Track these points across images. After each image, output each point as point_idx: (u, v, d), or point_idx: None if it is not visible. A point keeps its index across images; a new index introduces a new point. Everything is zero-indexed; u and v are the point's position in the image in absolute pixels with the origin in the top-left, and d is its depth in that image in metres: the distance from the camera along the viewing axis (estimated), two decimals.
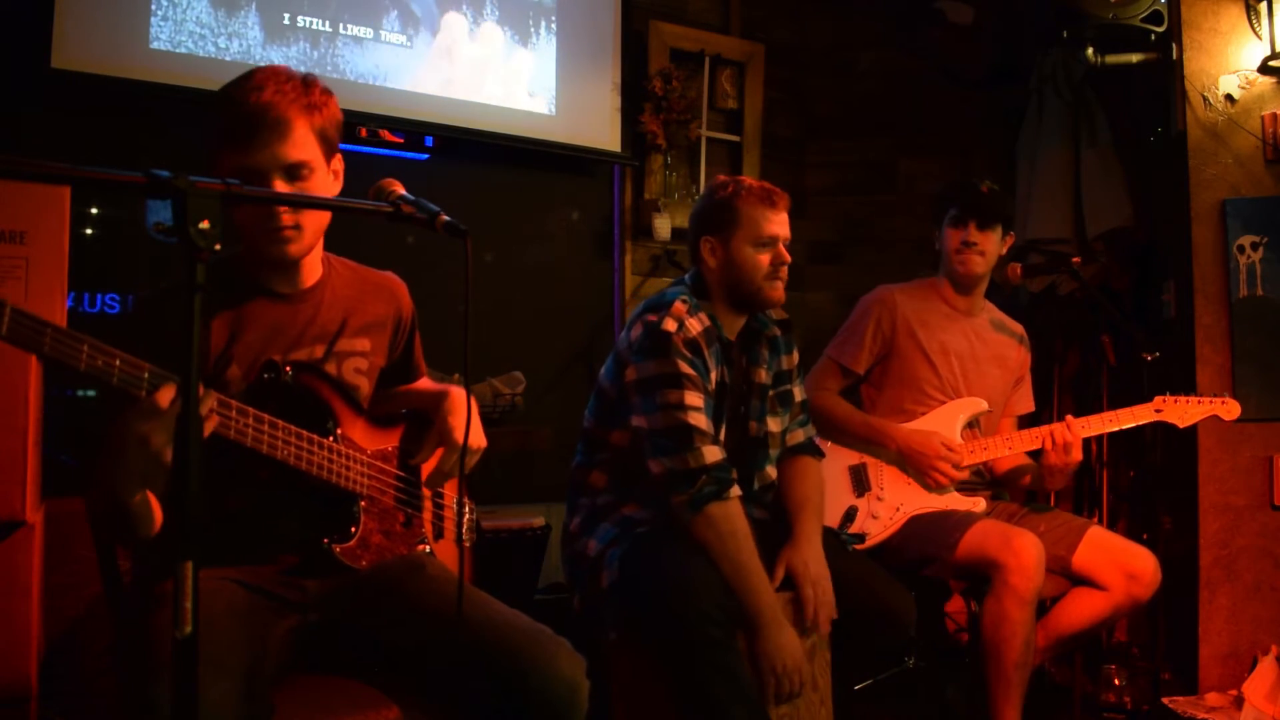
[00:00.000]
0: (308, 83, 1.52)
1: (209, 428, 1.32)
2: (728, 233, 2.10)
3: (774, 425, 2.20)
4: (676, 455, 1.93)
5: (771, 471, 2.19)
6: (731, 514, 1.92)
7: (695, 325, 2.02)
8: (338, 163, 1.58)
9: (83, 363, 1.18)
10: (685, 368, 1.97)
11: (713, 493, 1.91)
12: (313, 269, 1.63)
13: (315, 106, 1.50)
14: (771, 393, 2.20)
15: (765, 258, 2.09)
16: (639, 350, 2.01)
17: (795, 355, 2.28)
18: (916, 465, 2.51)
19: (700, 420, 1.95)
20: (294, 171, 1.48)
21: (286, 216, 1.48)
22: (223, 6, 2.81)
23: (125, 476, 1.31)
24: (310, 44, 2.95)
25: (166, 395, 1.24)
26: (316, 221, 1.54)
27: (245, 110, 1.44)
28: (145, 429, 1.25)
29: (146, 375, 1.24)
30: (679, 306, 2.03)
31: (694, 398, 1.96)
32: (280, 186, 1.47)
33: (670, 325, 1.99)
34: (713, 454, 1.93)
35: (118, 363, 1.22)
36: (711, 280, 2.14)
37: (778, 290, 2.12)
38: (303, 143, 1.48)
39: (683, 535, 1.92)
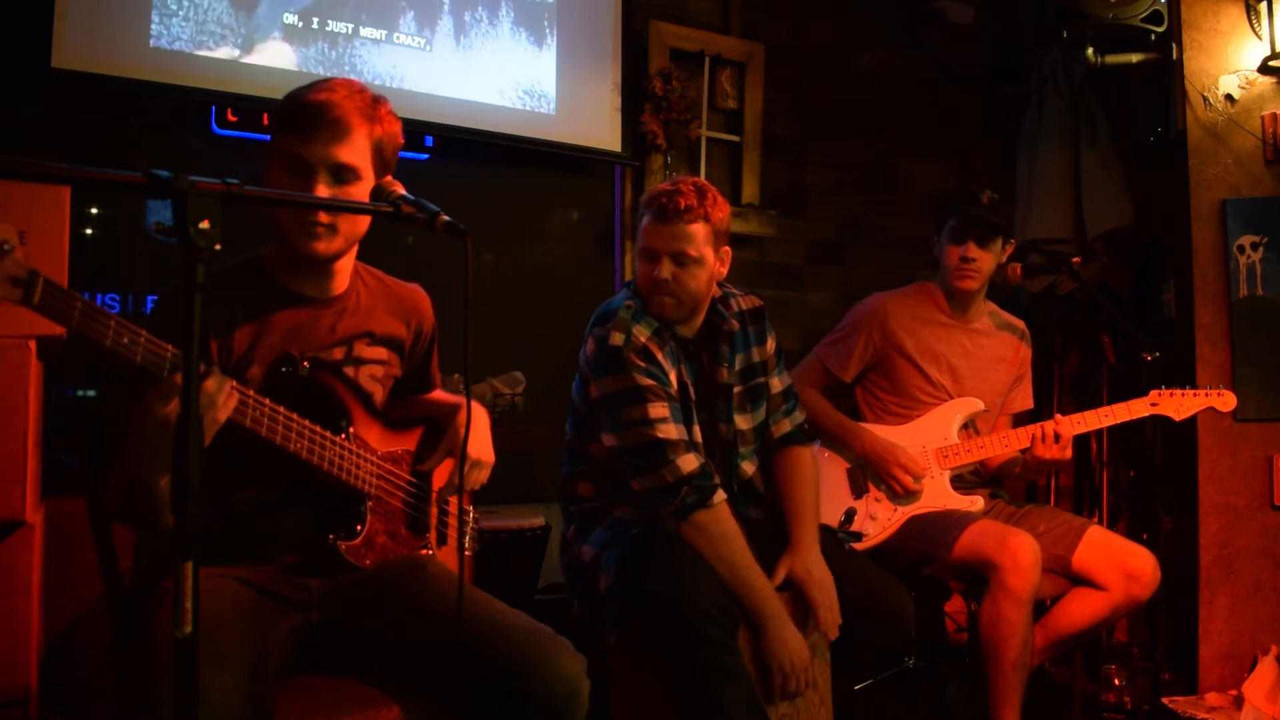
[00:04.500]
0: (377, 99, 1.55)
1: (230, 407, 1.32)
2: (635, 241, 2.10)
3: (743, 423, 2.16)
4: (653, 472, 1.92)
5: (748, 468, 2.16)
6: (718, 518, 1.91)
7: (642, 332, 2.00)
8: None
9: (109, 339, 1.18)
10: (642, 379, 1.95)
11: (696, 502, 1.90)
12: (343, 277, 1.63)
13: (378, 119, 1.54)
14: (739, 389, 2.16)
15: (649, 270, 2.03)
16: (595, 367, 2.01)
17: (770, 344, 2.23)
18: (876, 470, 2.52)
19: (669, 431, 1.93)
20: (341, 173, 1.49)
21: (323, 215, 1.49)
22: (223, 6, 2.81)
23: (151, 460, 1.32)
24: (310, 43, 2.95)
25: None
26: (352, 226, 1.54)
27: (310, 102, 1.48)
28: (169, 410, 1.25)
29: (169, 355, 1.24)
30: (622, 316, 2.01)
31: (658, 409, 1.94)
32: (323, 184, 1.48)
33: (617, 339, 1.97)
34: (689, 463, 1.92)
35: (142, 340, 1.21)
36: None
37: (662, 306, 2.03)
38: (357, 148, 1.50)
39: (677, 536, 1.92)
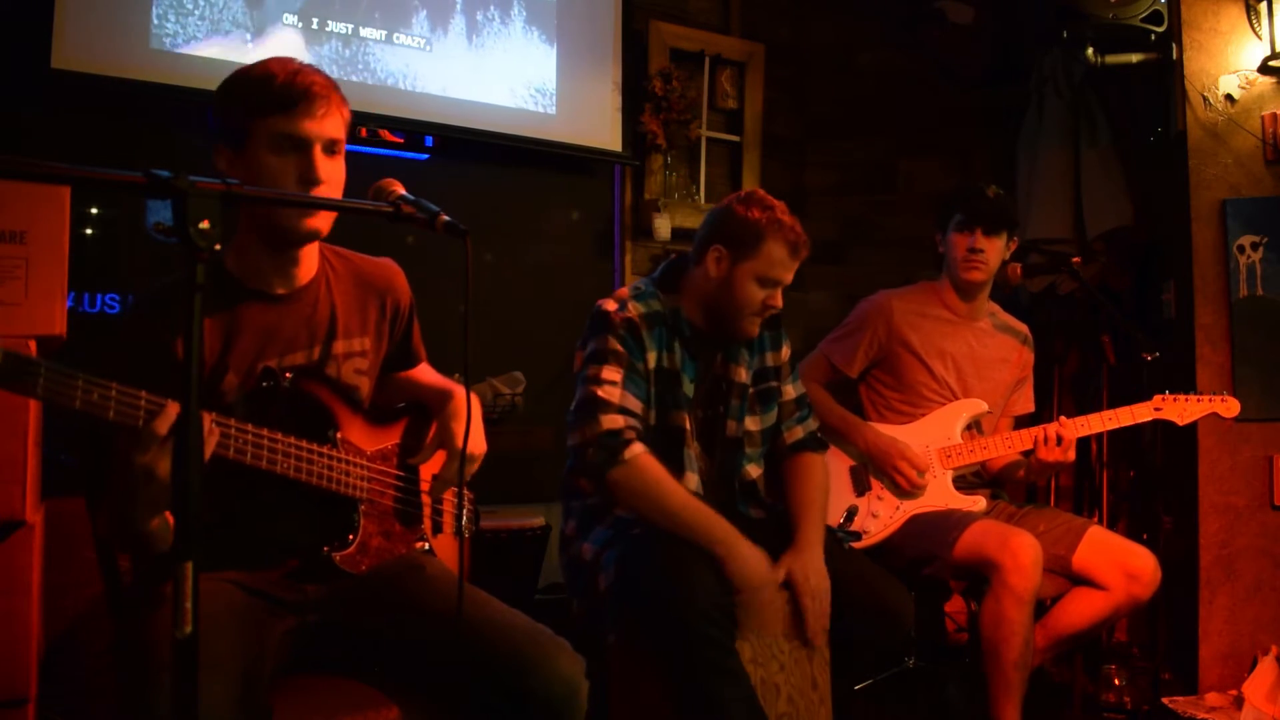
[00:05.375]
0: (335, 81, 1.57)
1: (212, 444, 1.32)
2: (740, 254, 2.05)
3: (752, 424, 2.17)
4: (577, 429, 1.94)
5: (752, 470, 2.17)
6: (633, 473, 1.90)
7: (636, 308, 2.02)
8: None
9: (78, 400, 1.17)
10: (614, 344, 1.98)
11: (604, 460, 1.90)
12: (309, 264, 1.60)
13: (344, 100, 1.55)
14: (751, 390, 2.18)
15: (762, 295, 2.07)
16: (584, 334, 2.05)
17: (785, 351, 2.25)
18: (878, 465, 2.52)
19: (611, 393, 1.94)
20: (332, 147, 1.51)
21: (324, 187, 1.49)
22: (238, 4, 2.81)
23: (139, 508, 1.32)
24: (310, 43, 2.95)
25: (165, 423, 1.24)
26: (341, 191, 1.54)
27: (297, 81, 1.47)
28: (149, 460, 1.24)
29: (143, 403, 1.23)
30: (623, 291, 2.05)
31: (611, 372, 1.96)
32: (321, 158, 1.48)
33: (610, 305, 2.02)
34: (609, 422, 1.92)
35: (113, 393, 1.21)
36: (699, 284, 2.10)
37: (754, 327, 2.10)
38: (338, 125, 1.52)
39: (676, 537, 1.91)
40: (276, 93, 1.46)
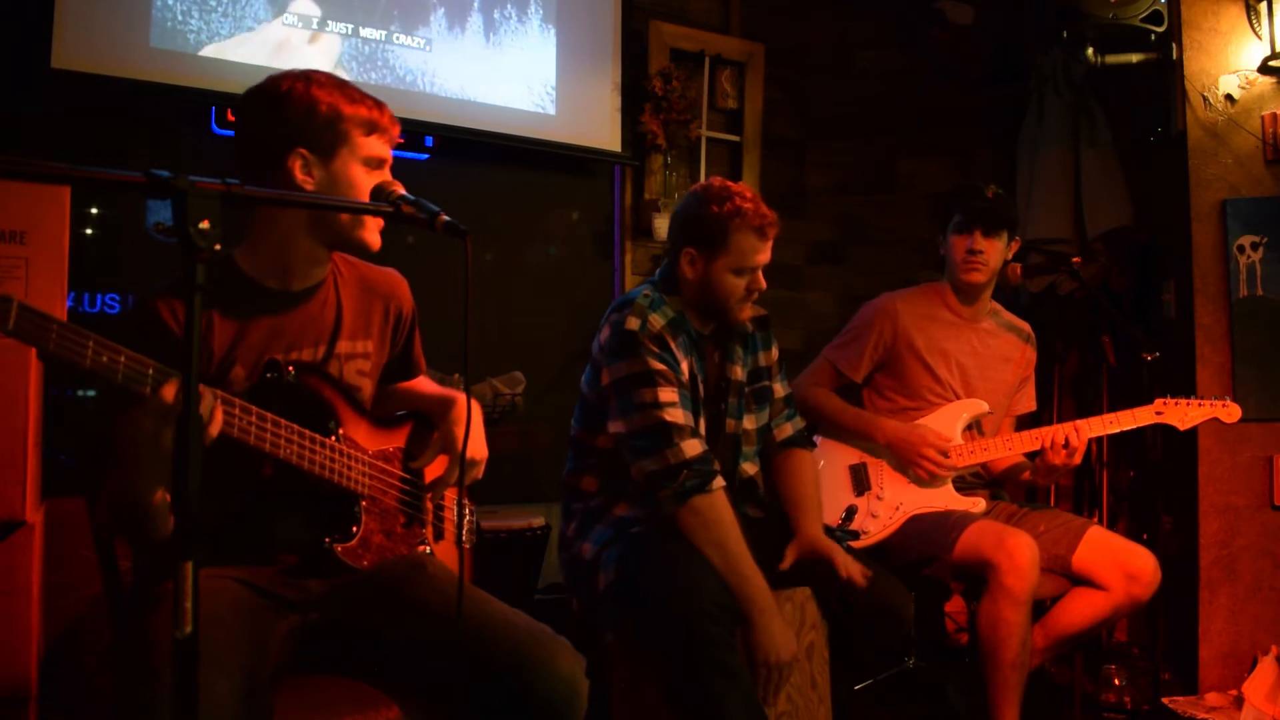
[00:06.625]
0: None
1: (219, 421, 1.32)
2: (712, 252, 2.06)
3: (749, 423, 2.20)
4: (657, 454, 1.93)
5: (749, 468, 2.19)
6: (716, 504, 1.92)
7: (658, 320, 2.02)
8: None
9: (88, 360, 1.18)
10: (655, 364, 1.97)
11: (695, 486, 1.91)
12: (320, 268, 1.62)
13: None
14: (748, 389, 2.20)
15: (743, 283, 2.08)
16: (609, 352, 2.02)
17: (774, 351, 2.27)
18: (903, 455, 2.51)
19: (677, 415, 1.95)
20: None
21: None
22: (220, 6, 2.81)
23: (143, 477, 1.32)
24: (310, 43, 2.95)
25: (171, 390, 1.24)
26: None
27: (384, 108, 1.57)
28: (154, 427, 1.25)
29: (151, 372, 1.24)
30: (639, 303, 2.04)
31: (668, 393, 1.96)
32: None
33: (634, 323, 2.00)
34: (693, 448, 1.94)
35: (122, 359, 1.21)
36: (684, 287, 2.12)
37: (746, 311, 2.14)
38: None
39: (677, 534, 1.92)
40: (375, 116, 1.54)
